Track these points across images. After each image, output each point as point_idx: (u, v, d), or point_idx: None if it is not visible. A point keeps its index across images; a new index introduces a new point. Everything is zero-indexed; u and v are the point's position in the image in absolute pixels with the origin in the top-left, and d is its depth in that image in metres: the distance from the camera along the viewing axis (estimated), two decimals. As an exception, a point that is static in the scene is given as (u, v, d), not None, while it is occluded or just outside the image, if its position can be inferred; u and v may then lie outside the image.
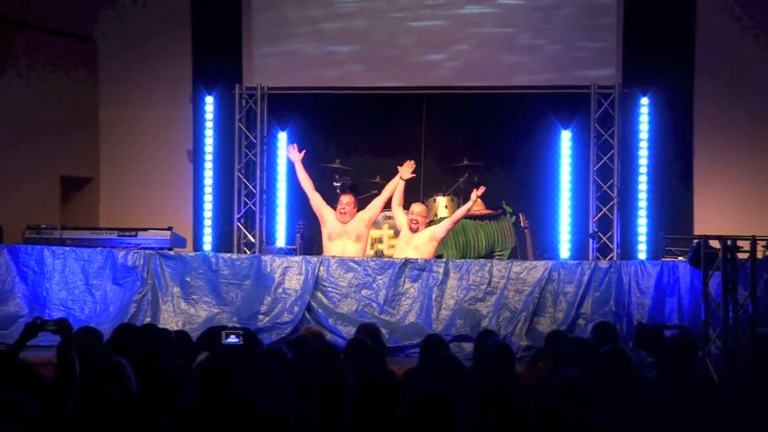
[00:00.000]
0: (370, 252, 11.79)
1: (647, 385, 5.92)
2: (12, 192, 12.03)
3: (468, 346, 9.68)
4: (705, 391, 6.02)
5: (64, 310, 10.47)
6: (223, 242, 13.07)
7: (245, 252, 12.60)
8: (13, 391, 4.54)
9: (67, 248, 10.88)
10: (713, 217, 12.27)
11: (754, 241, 9.07)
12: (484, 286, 10.38)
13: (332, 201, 12.23)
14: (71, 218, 12.91)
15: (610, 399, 5.41)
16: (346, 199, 11.15)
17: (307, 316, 10.44)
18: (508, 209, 11.79)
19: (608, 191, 12.50)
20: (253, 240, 12.95)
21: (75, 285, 10.71)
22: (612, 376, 5.73)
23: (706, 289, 9.35)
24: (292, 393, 5.61)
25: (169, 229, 11.52)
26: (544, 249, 12.50)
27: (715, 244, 9.42)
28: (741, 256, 9.19)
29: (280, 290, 10.54)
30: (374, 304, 10.41)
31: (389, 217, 11.94)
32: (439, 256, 11.02)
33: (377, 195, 12.29)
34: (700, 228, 11.99)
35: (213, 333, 6.80)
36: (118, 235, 11.41)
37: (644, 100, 12.49)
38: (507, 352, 6.45)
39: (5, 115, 11.91)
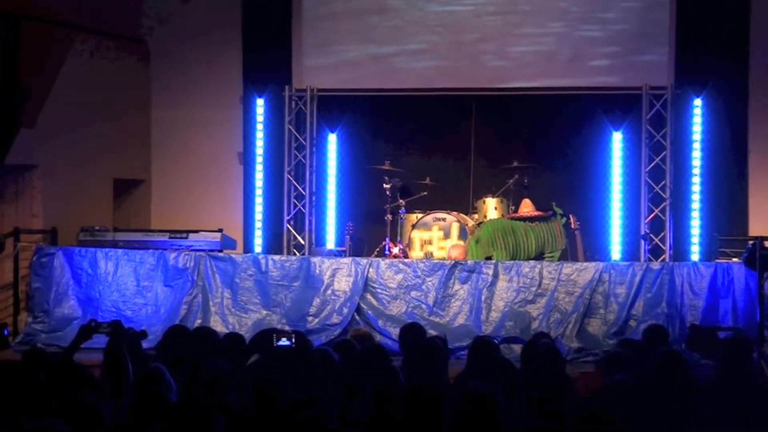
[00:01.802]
0: (420, 254, 11.78)
1: (702, 389, 5.84)
2: (66, 194, 12.16)
3: (518, 348, 9.64)
4: (760, 393, 5.94)
5: (116, 312, 10.58)
6: (273, 244, 13.11)
7: (295, 254, 12.64)
8: (91, 396, 4.60)
9: (120, 250, 11.00)
10: (769, 218, 12.11)
11: (810, 242, 8.94)
12: (534, 288, 10.34)
13: (382, 203, 12.26)
14: (123, 220, 13.03)
15: (663, 402, 5.35)
16: None
17: (357, 317, 10.46)
18: (559, 211, 11.72)
19: (660, 192, 12.38)
20: (302, 242, 12.99)
21: (127, 287, 10.82)
22: (666, 380, 5.67)
23: (761, 291, 9.24)
24: (339, 396, 5.61)
25: (220, 231, 11.60)
26: (595, 251, 12.39)
27: (770, 245, 9.31)
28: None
29: (329, 292, 10.57)
30: (424, 306, 10.41)
31: (439, 219, 11.92)
32: (488, 258, 10.98)
33: (426, 197, 12.32)
34: (755, 229, 11.84)
35: (265, 335, 6.82)
36: (170, 237, 11.51)
37: (697, 101, 12.34)
38: (555, 355, 6.40)
39: (59, 117, 12.03)
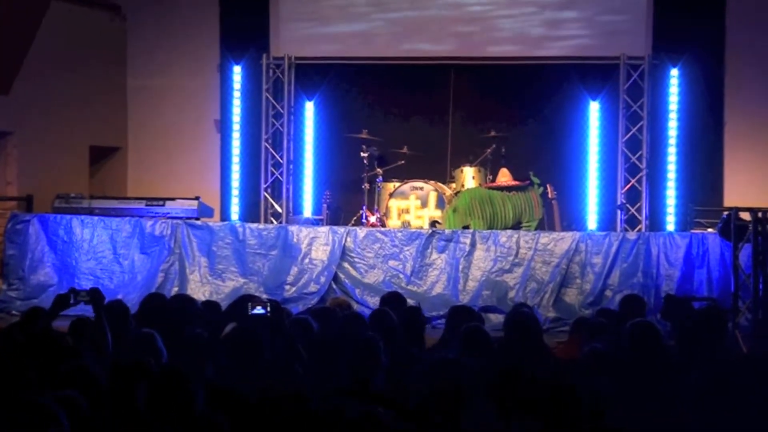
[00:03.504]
0: (397, 222, 11.79)
1: (676, 360, 5.88)
2: (41, 161, 12.09)
3: (494, 317, 9.71)
4: (734, 363, 5.98)
5: (93, 280, 10.56)
6: (250, 212, 13.09)
7: (272, 222, 12.63)
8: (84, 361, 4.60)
9: (96, 218, 10.96)
10: (744, 188, 12.17)
11: (785, 213, 9.00)
12: (511, 258, 10.38)
13: (360, 171, 12.24)
14: (99, 187, 12.97)
15: (636, 372, 5.38)
16: None
17: (334, 286, 10.48)
18: (536, 180, 11.75)
19: (637, 162, 12.42)
20: (279, 210, 12.97)
21: (103, 254, 10.79)
22: (640, 351, 5.70)
23: (736, 261, 9.31)
24: (318, 365, 5.61)
25: (197, 198, 11.57)
26: (572, 220, 12.44)
27: (745, 216, 9.36)
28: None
29: (306, 261, 10.58)
30: (401, 275, 10.43)
31: (416, 188, 11.92)
32: (465, 228, 11.00)
33: (404, 166, 12.31)
34: (730, 200, 11.91)
35: (240, 304, 6.81)
36: (146, 205, 11.48)
37: (674, 72, 12.38)
38: (532, 323, 6.42)
39: (34, 84, 11.93)
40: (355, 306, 9.73)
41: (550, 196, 11.73)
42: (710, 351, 6.01)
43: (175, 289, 10.48)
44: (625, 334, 5.94)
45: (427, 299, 10.20)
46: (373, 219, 11.89)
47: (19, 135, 11.87)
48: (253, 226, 10.96)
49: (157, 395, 4.17)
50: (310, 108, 13.23)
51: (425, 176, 12.12)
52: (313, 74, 13.22)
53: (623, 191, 12.44)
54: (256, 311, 6.07)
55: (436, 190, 11.88)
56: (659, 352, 5.83)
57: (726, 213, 9.66)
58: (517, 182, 11.74)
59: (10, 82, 11.69)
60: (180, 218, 11.09)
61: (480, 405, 4.51)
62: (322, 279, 10.46)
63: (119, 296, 9.77)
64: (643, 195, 12.38)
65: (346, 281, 10.46)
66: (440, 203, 11.80)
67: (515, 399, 4.41)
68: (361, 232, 10.66)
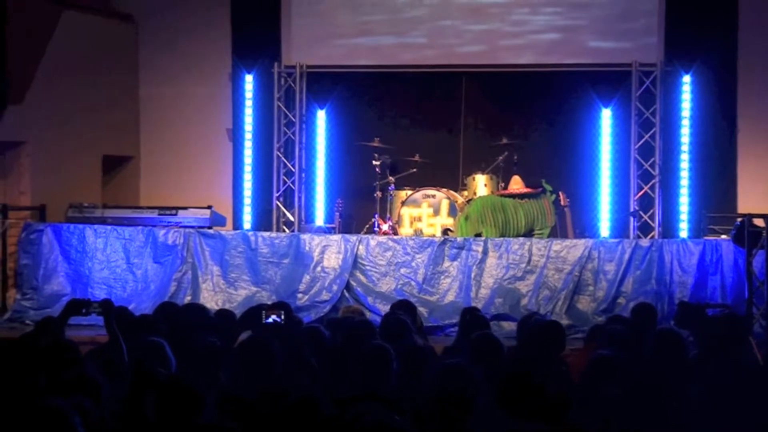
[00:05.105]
0: (410, 230, 11.78)
1: (693, 367, 5.85)
2: (54, 171, 12.11)
3: (507, 325, 9.69)
4: (749, 370, 5.95)
5: (106, 289, 10.58)
6: (263, 221, 13.10)
7: (284, 231, 12.63)
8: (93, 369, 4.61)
9: (109, 227, 10.99)
10: (757, 195, 12.12)
11: (799, 219, 8.97)
12: (523, 265, 10.36)
13: (372, 180, 12.24)
14: (112, 197, 12.99)
15: (657, 380, 5.36)
16: None
17: (346, 294, 10.47)
18: (548, 188, 11.72)
19: (649, 169, 12.39)
20: (292, 219, 12.97)
21: (116, 263, 10.81)
22: (663, 359, 5.67)
23: (750, 268, 9.27)
24: (330, 372, 5.61)
25: (209, 207, 11.58)
26: (584, 227, 12.42)
27: (759, 222, 9.33)
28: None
29: (318, 269, 10.58)
30: (413, 283, 10.42)
31: (428, 196, 11.91)
32: (477, 235, 10.99)
33: (416, 174, 12.31)
34: (743, 206, 11.86)
35: (254, 312, 6.82)
36: (159, 214, 11.50)
37: (686, 78, 12.35)
38: (557, 330, 6.40)
39: (47, 94, 11.97)
40: (368, 314, 9.72)
41: (562, 203, 11.71)
42: (731, 359, 5.98)
43: (188, 297, 10.50)
44: (650, 341, 5.91)
45: (440, 307, 10.20)
46: (385, 227, 11.88)
47: (32, 145, 11.91)
48: (266, 234, 10.97)
49: (165, 404, 4.16)
50: (321, 116, 13.25)
51: (437, 184, 12.11)
52: (325, 83, 13.24)
53: (636, 198, 12.41)
54: (270, 320, 6.07)
55: (448, 197, 11.87)
56: (682, 360, 5.80)
57: (739, 220, 9.63)
58: (529, 189, 11.72)
59: (22, 92, 11.73)
60: (192, 227, 11.11)
61: (488, 410, 4.49)
62: (335, 287, 10.46)
63: (132, 305, 9.80)
64: (656, 202, 12.35)
65: (358, 289, 10.46)
66: (452, 211, 11.79)
67: (523, 405, 4.40)
68: (373, 240, 10.66)
